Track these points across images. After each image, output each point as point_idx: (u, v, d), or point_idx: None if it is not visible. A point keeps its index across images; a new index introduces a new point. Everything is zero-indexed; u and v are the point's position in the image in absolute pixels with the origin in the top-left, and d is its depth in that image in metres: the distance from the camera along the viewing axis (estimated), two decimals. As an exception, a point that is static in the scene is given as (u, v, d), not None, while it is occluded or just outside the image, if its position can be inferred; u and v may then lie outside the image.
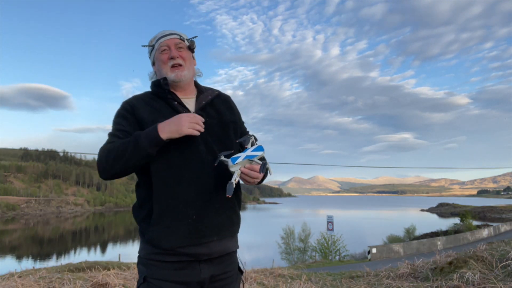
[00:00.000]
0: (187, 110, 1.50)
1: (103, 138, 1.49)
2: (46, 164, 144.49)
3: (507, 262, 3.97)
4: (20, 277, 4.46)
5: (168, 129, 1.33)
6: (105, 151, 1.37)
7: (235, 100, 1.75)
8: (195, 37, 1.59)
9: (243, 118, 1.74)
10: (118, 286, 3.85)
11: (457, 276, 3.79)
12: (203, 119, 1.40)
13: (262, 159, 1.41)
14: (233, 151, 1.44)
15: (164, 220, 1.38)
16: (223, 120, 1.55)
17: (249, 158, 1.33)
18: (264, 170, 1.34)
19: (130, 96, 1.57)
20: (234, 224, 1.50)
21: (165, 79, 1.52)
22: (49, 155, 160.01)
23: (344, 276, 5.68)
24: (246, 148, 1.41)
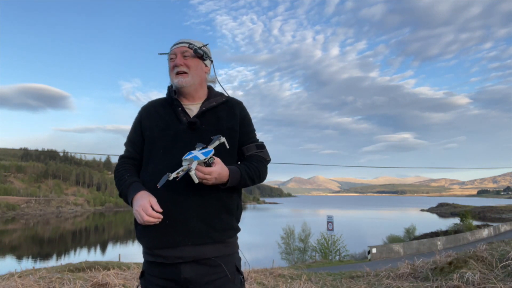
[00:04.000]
0: (187, 116, 1.58)
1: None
2: (46, 164, 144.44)
3: (507, 262, 3.96)
4: (20, 277, 4.45)
5: (133, 205, 1.46)
6: (114, 175, 1.65)
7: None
8: (206, 45, 1.66)
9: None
10: (118, 286, 3.84)
11: (457, 276, 3.78)
12: (148, 208, 1.39)
13: (208, 164, 1.38)
14: (205, 146, 1.44)
15: None
16: (219, 128, 1.57)
17: (194, 158, 1.34)
18: (184, 174, 1.34)
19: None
20: (216, 231, 1.48)
21: (172, 86, 1.67)
22: (49, 155, 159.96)
23: (344, 276, 5.68)
24: (206, 147, 1.42)
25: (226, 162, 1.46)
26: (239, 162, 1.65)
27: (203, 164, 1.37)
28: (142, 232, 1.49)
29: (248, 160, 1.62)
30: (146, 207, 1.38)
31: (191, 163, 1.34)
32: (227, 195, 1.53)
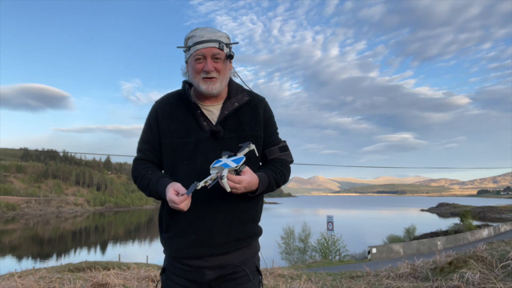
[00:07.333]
0: (208, 121, 1.49)
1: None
2: (46, 164, 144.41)
3: (507, 262, 3.96)
4: (20, 277, 4.46)
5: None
6: (134, 176, 1.56)
7: None
8: (236, 43, 1.50)
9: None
10: (118, 286, 3.84)
11: (457, 276, 3.78)
12: (178, 200, 1.32)
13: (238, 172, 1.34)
14: (233, 153, 1.39)
15: (170, 231, 1.51)
16: (243, 136, 1.49)
17: (224, 166, 1.29)
18: (215, 182, 1.30)
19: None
20: (241, 239, 1.49)
21: (190, 86, 1.55)
22: (49, 155, 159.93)
23: (344, 276, 5.68)
24: (235, 155, 1.37)
25: (252, 169, 1.40)
26: (260, 163, 1.59)
27: (233, 172, 1.33)
28: (168, 241, 1.52)
29: (272, 164, 1.56)
30: (173, 199, 1.32)
31: (221, 171, 1.28)
32: (252, 205, 1.52)
